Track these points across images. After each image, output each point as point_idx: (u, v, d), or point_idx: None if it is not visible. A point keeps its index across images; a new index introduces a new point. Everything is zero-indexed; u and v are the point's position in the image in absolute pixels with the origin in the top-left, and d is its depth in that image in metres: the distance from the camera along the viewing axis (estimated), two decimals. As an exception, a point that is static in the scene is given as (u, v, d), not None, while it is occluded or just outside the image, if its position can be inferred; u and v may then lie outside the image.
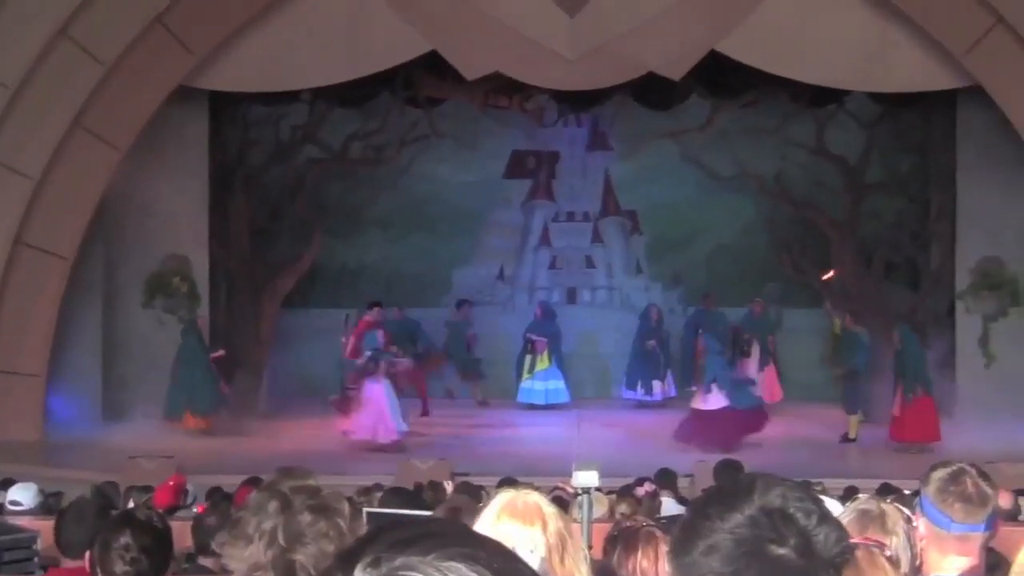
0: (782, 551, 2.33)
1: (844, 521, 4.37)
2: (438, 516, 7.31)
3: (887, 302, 24.96)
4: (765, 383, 24.83)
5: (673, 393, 25.50)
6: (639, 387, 25.41)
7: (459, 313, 26.31)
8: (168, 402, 22.39)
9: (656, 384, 25.40)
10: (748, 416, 21.44)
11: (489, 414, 24.12)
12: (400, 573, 1.82)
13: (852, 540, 4.00)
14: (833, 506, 4.30)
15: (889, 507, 4.76)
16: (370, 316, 23.20)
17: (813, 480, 13.74)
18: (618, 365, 26.34)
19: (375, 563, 1.84)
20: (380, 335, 22.48)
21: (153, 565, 5.60)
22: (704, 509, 2.42)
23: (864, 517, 4.64)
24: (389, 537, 1.87)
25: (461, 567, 1.81)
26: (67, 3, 20.52)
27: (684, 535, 2.42)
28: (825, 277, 25.12)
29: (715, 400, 21.48)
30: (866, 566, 4.01)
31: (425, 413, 23.91)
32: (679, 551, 2.41)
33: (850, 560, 2.44)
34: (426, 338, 24.92)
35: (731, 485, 2.47)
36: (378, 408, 21.41)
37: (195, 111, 23.29)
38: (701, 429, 21.24)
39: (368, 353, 21.81)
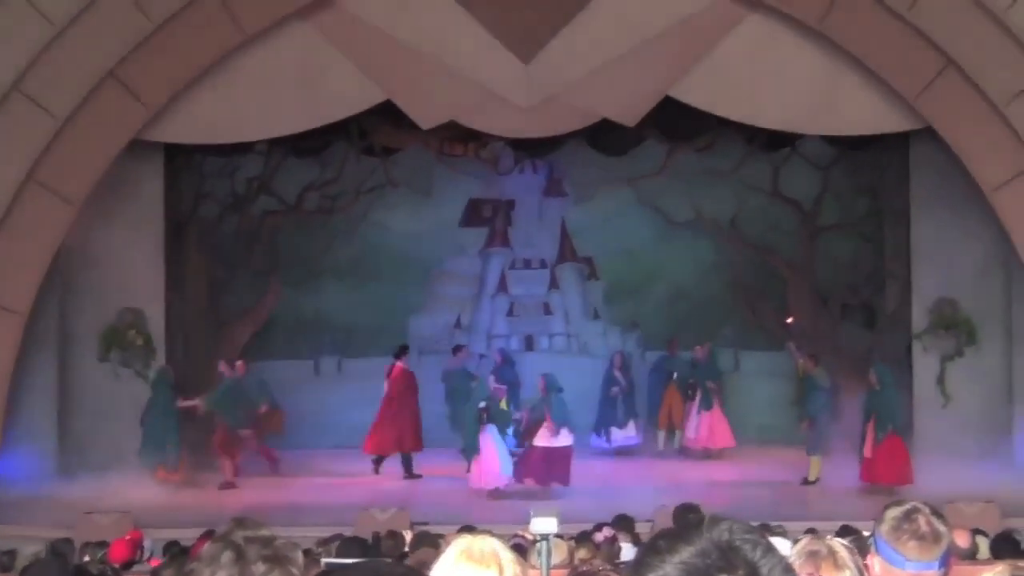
0: None
1: (796, 563, 4.38)
2: (387, 560, 7.28)
3: (844, 343, 25.07)
4: (703, 428, 24.80)
5: (637, 440, 25.44)
6: (602, 434, 25.34)
7: (455, 360, 25.77)
8: (142, 452, 22.27)
9: (615, 431, 25.32)
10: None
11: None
12: None
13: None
14: (781, 546, 4.32)
15: (835, 543, 4.78)
16: (402, 363, 23.29)
17: (773, 523, 13.74)
18: (577, 412, 26.36)
19: None
20: (492, 381, 22.51)
21: (107, 619, 5.57)
22: (654, 544, 2.45)
23: (815, 557, 4.65)
24: None
25: None
26: (19, 57, 20.45)
27: (636, 571, 2.45)
28: (788, 320, 25.26)
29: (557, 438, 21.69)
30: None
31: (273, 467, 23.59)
32: None
33: None
34: (270, 396, 24.07)
35: (680, 524, 2.50)
36: (484, 457, 21.59)
37: (150, 164, 23.18)
38: (539, 465, 21.50)
39: (482, 404, 21.84)
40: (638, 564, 2.45)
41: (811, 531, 12.80)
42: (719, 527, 2.44)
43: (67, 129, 20.86)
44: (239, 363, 23.67)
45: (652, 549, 2.45)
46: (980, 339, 23.03)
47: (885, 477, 21.02)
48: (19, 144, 20.72)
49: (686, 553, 2.40)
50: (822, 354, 23.72)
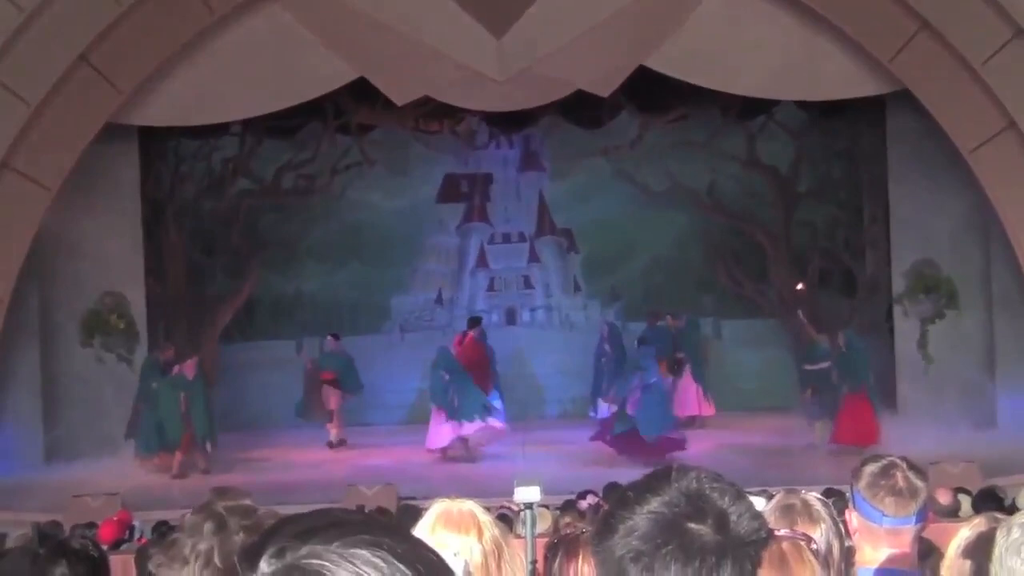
0: (699, 527, 2.39)
1: (771, 519, 4.41)
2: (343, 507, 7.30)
3: (823, 310, 25.09)
4: (682, 398, 24.74)
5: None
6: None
7: (334, 344, 24.99)
8: (139, 443, 22.20)
9: (601, 403, 25.25)
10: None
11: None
12: (304, 562, 1.83)
13: (781, 532, 4.04)
14: (756, 504, 4.34)
15: (809, 496, 4.80)
16: (474, 333, 23.78)
17: (756, 488, 13.78)
18: (559, 384, 26.38)
19: (279, 554, 1.85)
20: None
21: (91, 595, 5.56)
22: (624, 496, 2.47)
23: (790, 511, 4.66)
24: (293, 528, 1.88)
25: (365, 553, 1.83)
26: (-10, 45, 20.39)
27: (605, 522, 2.47)
28: (798, 288, 25.16)
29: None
30: (793, 561, 4.03)
31: None
32: (601, 537, 2.46)
33: (773, 547, 2.50)
34: None
35: (649, 476, 2.52)
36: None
37: (125, 148, 23.12)
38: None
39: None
40: (608, 516, 2.47)
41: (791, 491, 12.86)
42: (687, 476, 2.46)
43: (41, 115, 20.78)
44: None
45: (621, 501, 2.47)
46: (960, 302, 23.08)
47: (847, 437, 21.12)
48: (-7, 132, 20.65)
49: (655, 503, 2.42)
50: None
